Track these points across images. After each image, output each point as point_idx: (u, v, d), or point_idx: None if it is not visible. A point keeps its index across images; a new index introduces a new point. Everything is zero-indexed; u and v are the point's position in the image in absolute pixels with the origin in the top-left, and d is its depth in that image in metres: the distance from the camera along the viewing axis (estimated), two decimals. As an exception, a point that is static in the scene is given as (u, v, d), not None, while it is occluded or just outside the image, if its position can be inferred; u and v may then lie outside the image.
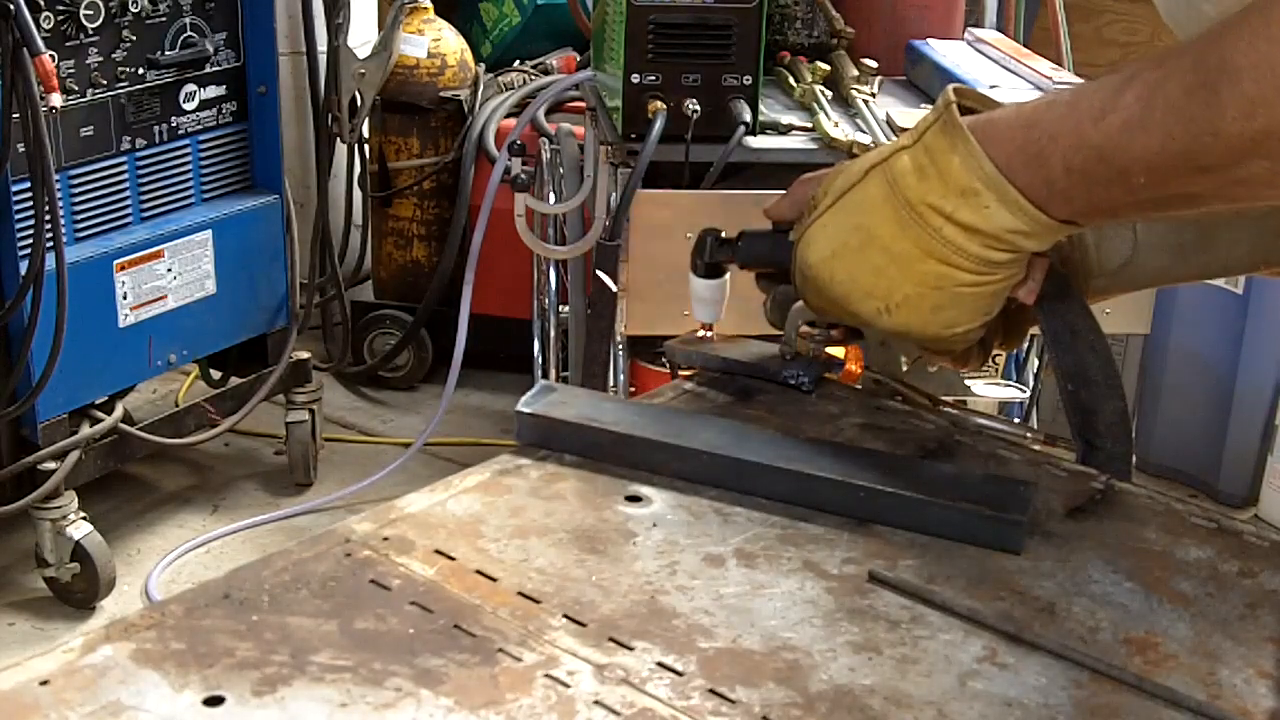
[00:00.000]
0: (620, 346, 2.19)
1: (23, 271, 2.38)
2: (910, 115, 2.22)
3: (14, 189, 2.38)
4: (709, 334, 1.24)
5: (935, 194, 0.98)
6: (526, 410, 1.08)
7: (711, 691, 0.81)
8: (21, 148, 2.33)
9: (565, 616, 0.87)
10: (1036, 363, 2.48)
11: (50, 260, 2.36)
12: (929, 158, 0.99)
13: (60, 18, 2.44)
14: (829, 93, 2.29)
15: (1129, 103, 0.89)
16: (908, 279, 1.01)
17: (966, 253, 0.99)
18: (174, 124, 2.69)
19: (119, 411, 2.62)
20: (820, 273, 1.05)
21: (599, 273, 2.04)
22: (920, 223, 0.99)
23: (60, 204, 2.36)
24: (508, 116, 3.40)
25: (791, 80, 2.35)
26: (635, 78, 2.07)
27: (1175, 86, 0.86)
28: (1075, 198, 0.94)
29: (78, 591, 2.62)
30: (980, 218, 0.97)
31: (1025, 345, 2.46)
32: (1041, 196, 0.95)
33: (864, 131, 2.16)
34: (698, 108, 2.06)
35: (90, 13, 2.48)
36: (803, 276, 1.07)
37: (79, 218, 2.54)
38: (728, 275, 1.20)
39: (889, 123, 2.19)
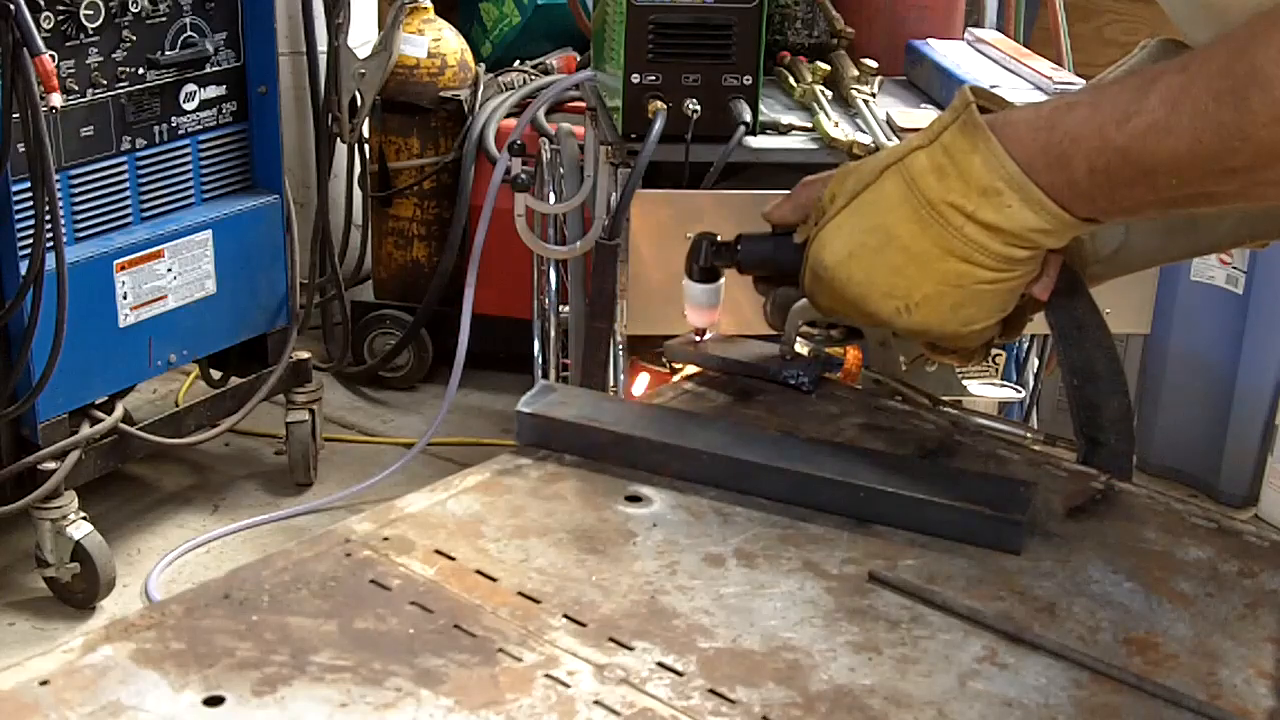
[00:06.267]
0: (620, 346, 2.19)
1: (23, 271, 2.38)
2: (910, 115, 2.22)
3: (14, 189, 2.38)
4: (704, 338, 1.24)
5: (956, 193, 0.99)
6: (526, 410, 1.08)
7: (711, 691, 0.81)
8: (21, 148, 2.33)
9: (565, 616, 0.87)
10: (1036, 363, 2.48)
11: (50, 260, 2.35)
12: (948, 157, 0.99)
13: (60, 18, 2.44)
14: (829, 93, 2.29)
15: (1154, 106, 0.90)
16: (928, 278, 1.02)
17: (988, 250, 0.99)
18: (174, 124, 2.69)
19: (119, 411, 2.62)
20: (837, 274, 1.05)
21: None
22: (941, 222, 1.00)
23: (60, 204, 2.35)
24: (508, 116, 3.40)
25: (791, 80, 2.35)
26: (635, 78, 2.07)
27: (1202, 91, 0.87)
28: (1098, 198, 0.95)
29: (78, 591, 2.62)
30: (1003, 217, 0.97)
31: (1025, 345, 2.46)
32: (1064, 196, 0.96)
33: (864, 131, 2.16)
34: (698, 108, 2.06)
35: (90, 13, 2.48)
36: (815, 278, 1.07)
37: (79, 218, 2.54)
38: (723, 279, 1.20)
39: (889, 123, 2.19)
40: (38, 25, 2.31)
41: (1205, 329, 3.07)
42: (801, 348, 1.20)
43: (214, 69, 2.74)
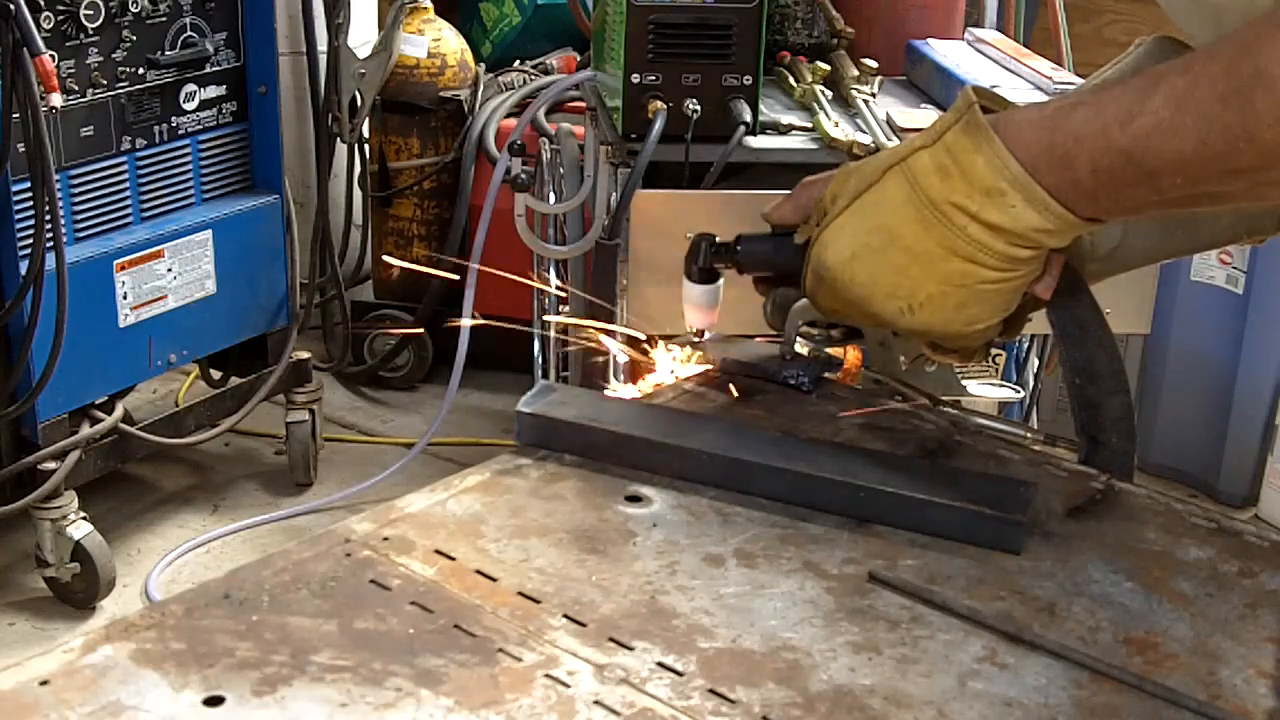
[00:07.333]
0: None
1: (23, 271, 2.38)
2: (910, 115, 2.22)
3: (14, 189, 2.38)
4: (704, 338, 1.23)
5: (959, 193, 0.99)
6: (526, 410, 1.08)
7: (711, 691, 0.81)
8: (21, 148, 2.33)
9: (565, 616, 0.87)
10: (1036, 363, 2.48)
11: (50, 260, 2.35)
12: (951, 157, 0.99)
13: (60, 18, 2.44)
14: (829, 93, 2.29)
15: (1157, 107, 0.90)
16: (931, 278, 1.02)
17: (991, 250, 0.99)
18: (174, 124, 2.69)
19: (119, 411, 2.62)
20: (840, 274, 1.05)
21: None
22: (944, 222, 1.00)
23: (60, 204, 2.36)
24: (508, 116, 3.40)
25: (791, 80, 2.35)
26: (635, 78, 2.07)
27: (1207, 92, 0.88)
28: (1102, 198, 0.95)
29: (78, 591, 2.62)
30: (1007, 217, 0.98)
31: (1025, 345, 2.46)
32: (1068, 197, 0.96)
33: (864, 131, 2.16)
34: (698, 108, 2.06)
35: (90, 13, 2.48)
36: (818, 278, 1.07)
37: (79, 218, 2.54)
38: (721, 280, 1.20)
39: (889, 123, 2.19)
40: (38, 25, 2.31)
41: (1205, 329, 3.07)
42: (801, 348, 1.20)
43: (214, 69, 2.74)
